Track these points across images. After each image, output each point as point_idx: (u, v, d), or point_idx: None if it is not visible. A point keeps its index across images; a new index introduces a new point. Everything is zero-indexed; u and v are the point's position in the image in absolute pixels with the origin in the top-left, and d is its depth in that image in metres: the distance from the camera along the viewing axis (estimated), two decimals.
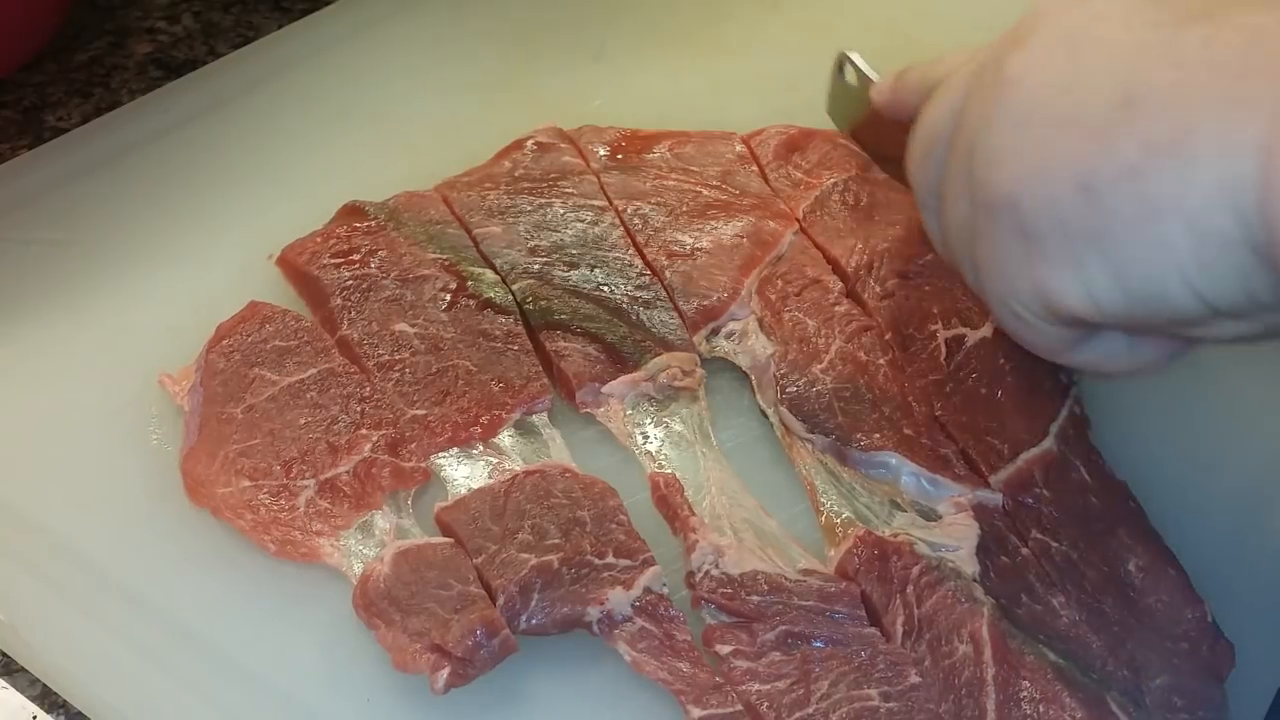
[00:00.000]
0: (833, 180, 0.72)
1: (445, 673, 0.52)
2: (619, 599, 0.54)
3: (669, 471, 0.59)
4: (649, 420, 0.62)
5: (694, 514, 0.57)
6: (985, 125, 0.49)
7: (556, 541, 0.56)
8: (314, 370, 0.62)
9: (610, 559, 0.56)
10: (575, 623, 0.54)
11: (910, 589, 0.55)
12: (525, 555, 0.55)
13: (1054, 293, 0.47)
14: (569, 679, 0.54)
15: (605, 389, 0.62)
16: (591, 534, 0.56)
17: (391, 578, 0.54)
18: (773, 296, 0.66)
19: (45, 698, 0.54)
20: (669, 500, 0.58)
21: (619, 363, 0.63)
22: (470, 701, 0.52)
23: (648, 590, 0.55)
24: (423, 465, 0.59)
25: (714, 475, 0.60)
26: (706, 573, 0.56)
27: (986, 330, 0.64)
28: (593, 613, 0.54)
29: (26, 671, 0.54)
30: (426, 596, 0.54)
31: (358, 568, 0.55)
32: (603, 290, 0.65)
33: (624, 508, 0.57)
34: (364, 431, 0.59)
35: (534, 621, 0.54)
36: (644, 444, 0.61)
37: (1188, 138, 0.43)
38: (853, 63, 0.64)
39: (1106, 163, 0.45)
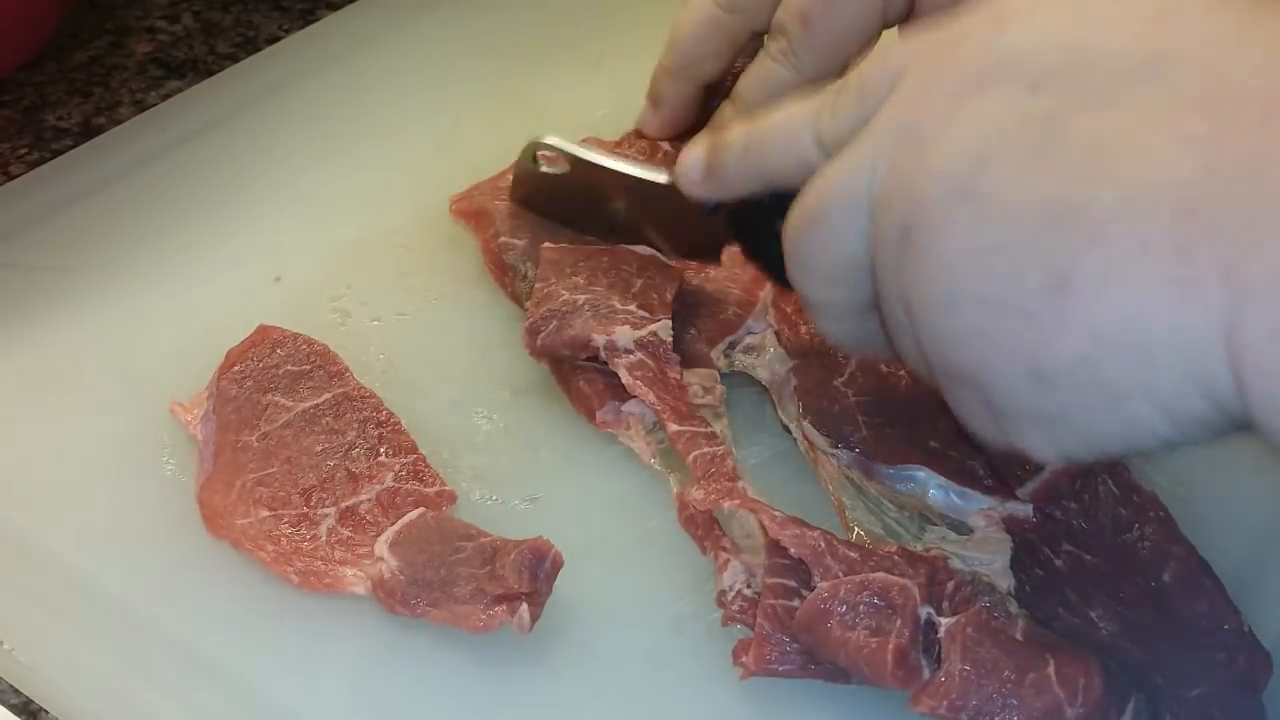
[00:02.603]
0: None
1: (524, 610, 0.52)
2: (625, 334, 0.60)
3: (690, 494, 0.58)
4: (669, 440, 0.61)
5: (725, 534, 0.56)
6: (916, 302, 0.44)
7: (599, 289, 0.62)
8: (328, 395, 0.61)
9: (633, 308, 0.62)
10: (583, 345, 0.60)
11: (946, 605, 0.54)
12: (564, 293, 0.62)
13: (1019, 445, 0.45)
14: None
15: (625, 407, 0.61)
16: (633, 294, 0.62)
17: (404, 566, 0.54)
18: (788, 309, 0.65)
19: None
20: (698, 520, 0.57)
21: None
22: None
23: (652, 334, 0.60)
24: (448, 489, 0.58)
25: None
26: (739, 592, 0.55)
27: None
28: (599, 339, 0.60)
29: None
30: (449, 565, 0.54)
31: None
32: None
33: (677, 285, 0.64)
34: (383, 459, 0.58)
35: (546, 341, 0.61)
36: (668, 464, 0.60)
37: (1136, 323, 0.39)
38: (553, 148, 0.65)
39: (1054, 353, 0.41)
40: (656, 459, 0.60)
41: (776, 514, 0.55)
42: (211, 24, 0.84)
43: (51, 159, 0.74)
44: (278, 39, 0.83)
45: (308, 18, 0.85)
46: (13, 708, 0.53)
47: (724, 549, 0.56)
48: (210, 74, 0.80)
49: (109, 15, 0.84)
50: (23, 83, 0.79)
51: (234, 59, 0.81)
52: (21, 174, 0.73)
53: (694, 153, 0.56)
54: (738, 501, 0.56)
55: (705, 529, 0.57)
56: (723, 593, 0.55)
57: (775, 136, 0.52)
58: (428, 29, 0.82)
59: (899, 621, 0.51)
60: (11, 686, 0.53)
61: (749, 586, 0.55)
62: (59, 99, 0.79)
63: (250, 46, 0.83)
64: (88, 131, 0.76)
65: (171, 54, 0.82)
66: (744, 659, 0.52)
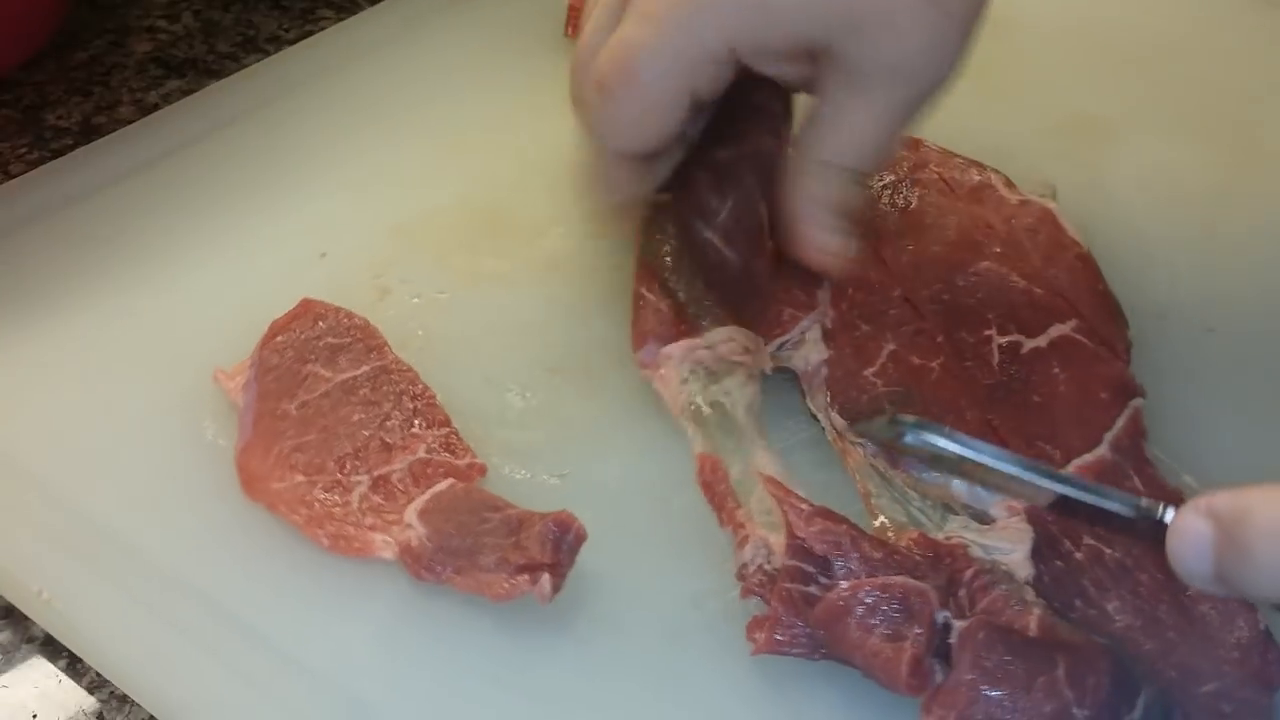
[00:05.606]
0: (881, 183, 0.72)
1: (546, 580, 0.53)
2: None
3: (717, 456, 0.58)
4: (701, 394, 0.61)
5: (740, 506, 0.57)
6: None
7: None
8: (366, 367, 0.62)
9: None
10: None
11: (963, 591, 0.55)
12: None
13: None
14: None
15: (664, 350, 0.61)
16: None
17: (432, 534, 0.55)
18: (844, 306, 0.65)
19: (105, 691, 0.54)
20: (714, 488, 0.57)
21: (684, 324, 0.62)
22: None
23: None
24: (478, 461, 0.59)
25: (763, 465, 0.59)
26: (759, 567, 0.55)
27: (1043, 339, 0.63)
28: None
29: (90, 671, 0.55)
30: (475, 535, 0.55)
31: None
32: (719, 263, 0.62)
33: None
34: (417, 431, 0.60)
35: None
36: (695, 420, 0.60)
37: None
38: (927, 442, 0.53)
39: None
40: (688, 413, 0.60)
41: (803, 507, 0.55)
42: (211, 23, 0.85)
43: (52, 158, 0.75)
44: (278, 38, 0.85)
45: (307, 17, 0.86)
46: (49, 655, 0.55)
47: (741, 525, 0.56)
48: (210, 74, 0.82)
49: (109, 15, 0.85)
50: (23, 82, 0.81)
51: (234, 58, 0.83)
52: (21, 173, 0.74)
53: (1195, 528, 0.45)
54: (769, 487, 0.56)
55: (720, 500, 0.57)
56: (743, 566, 0.56)
57: None
58: (474, 12, 0.83)
59: (916, 629, 0.52)
60: (48, 635, 0.55)
61: (769, 562, 0.55)
62: (59, 98, 0.80)
63: (250, 46, 0.84)
64: (87, 131, 0.77)
65: (171, 53, 0.83)
66: (756, 635, 0.53)
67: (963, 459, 0.52)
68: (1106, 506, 0.50)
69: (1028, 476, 0.51)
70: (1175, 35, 0.85)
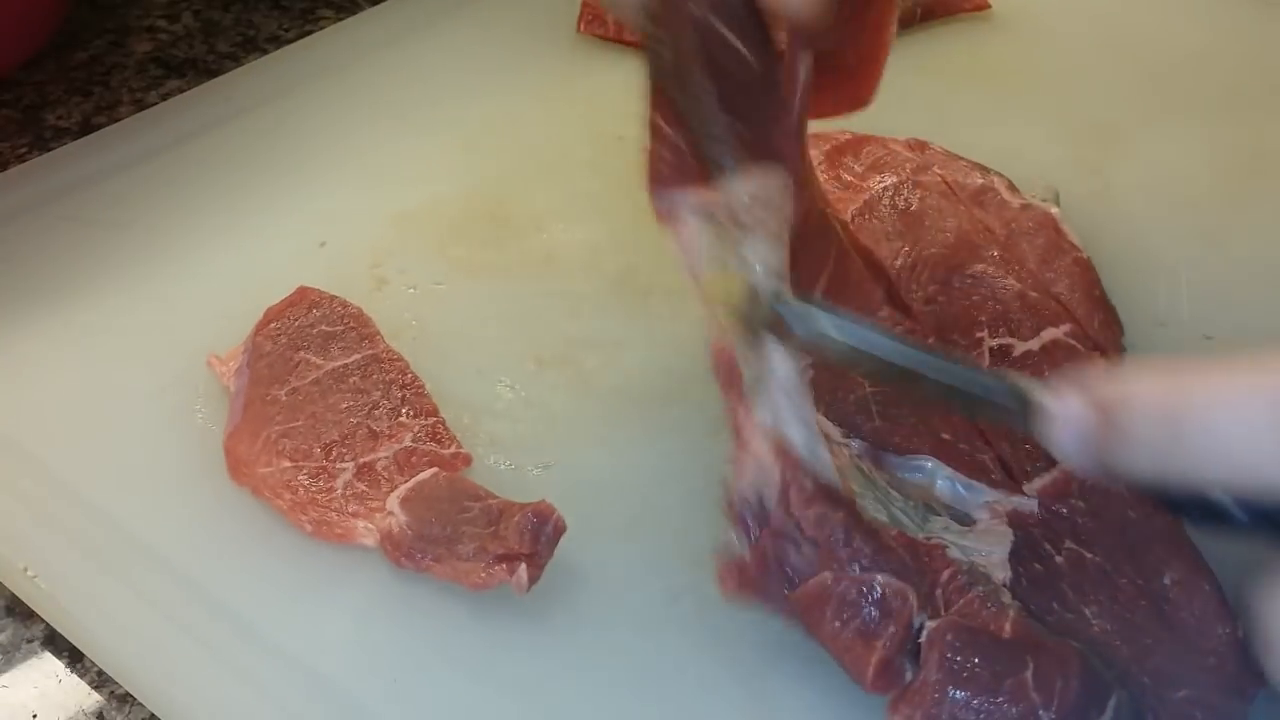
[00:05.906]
0: (883, 184, 0.72)
1: (523, 570, 0.53)
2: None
3: (730, 350, 0.53)
4: (719, 261, 0.53)
5: (748, 415, 0.53)
6: None
7: None
8: (358, 356, 0.63)
9: None
10: None
11: (939, 592, 0.55)
12: None
13: None
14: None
15: (679, 198, 0.52)
16: None
17: (412, 521, 0.56)
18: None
19: (106, 690, 0.55)
20: (727, 389, 0.53)
21: (701, 166, 0.52)
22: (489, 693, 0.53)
23: None
24: (463, 451, 0.60)
25: (780, 367, 0.53)
26: (744, 499, 0.53)
27: (1034, 342, 0.63)
28: None
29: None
30: (455, 524, 0.55)
31: None
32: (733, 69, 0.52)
33: None
34: (404, 419, 0.60)
35: None
36: (708, 297, 0.53)
37: None
38: None
39: None
40: (701, 286, 0.53)
41: (806, 484, 0.53)
42: (211, 23, 0.86)
43: None
44: (278, 38, 0.86)
45: (307, 17, 0.87)
46: (49, 655, 0.56)
47: (743, 443, 0.53)
48: (210, 74, 0.83)
49: (109, 15, 0.86)
50: (23, 82, 0.81)
51: (234, 58, 0.84)
52: None
53: (1075, 413, 0.45)
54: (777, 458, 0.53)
55: (732, 399, 0.53)
56: (731, 503, 0.53)
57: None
58: (482, 13, 0.84)
59: (891, 628, 0.51)
60: (48, 635, 0.56)
61: (760, 504, 0.53)
62: (59, 98, 0.81)
63: (250, 46, 0.85)
64: (87, 131, 0.78)
65: (171, 53, 0.84)
66: (728, 580, 0.52)
67: (845, 347, 0.49)
68: (977, 391, 0.48)
69: (900, 359, 0.48)
70: (1189, 42, 0.84)
